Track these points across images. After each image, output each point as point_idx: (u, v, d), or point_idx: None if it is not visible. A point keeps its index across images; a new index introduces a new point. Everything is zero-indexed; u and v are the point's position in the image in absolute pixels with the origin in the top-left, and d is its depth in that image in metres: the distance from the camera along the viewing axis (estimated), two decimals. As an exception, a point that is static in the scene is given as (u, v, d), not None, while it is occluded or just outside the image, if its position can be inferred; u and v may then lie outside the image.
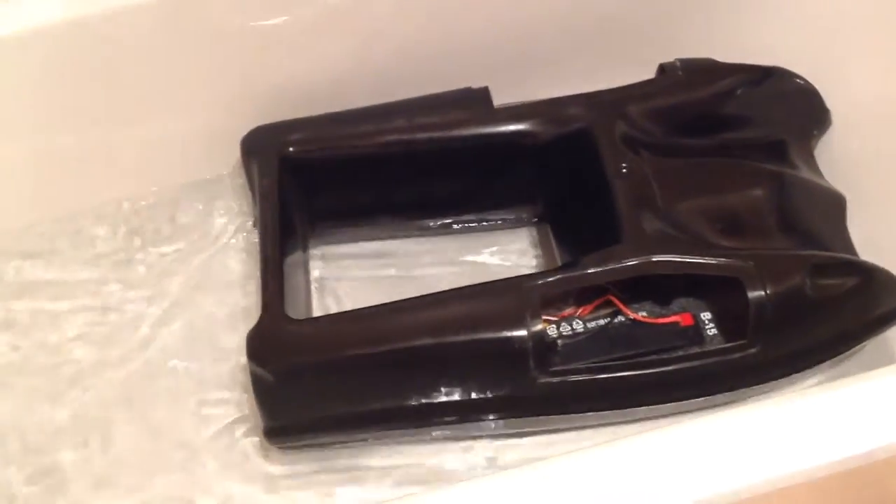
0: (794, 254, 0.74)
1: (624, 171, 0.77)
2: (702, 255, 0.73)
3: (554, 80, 0.93)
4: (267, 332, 0.72)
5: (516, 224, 0.90)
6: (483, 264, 0.89)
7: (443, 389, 0.74)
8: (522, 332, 0.71)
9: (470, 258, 0.89)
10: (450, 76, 0.86)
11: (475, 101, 0.84)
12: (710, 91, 0.84)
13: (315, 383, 0.73)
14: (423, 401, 0.74)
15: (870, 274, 0.75)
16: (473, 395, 0.74)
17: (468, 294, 0.74)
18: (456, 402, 0.74)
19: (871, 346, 0.79)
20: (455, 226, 0.90)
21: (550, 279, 0.73)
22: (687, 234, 0.75)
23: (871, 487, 0.64)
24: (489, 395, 0.74)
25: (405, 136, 0.83)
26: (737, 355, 0.73)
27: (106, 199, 0.93)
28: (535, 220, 0.90)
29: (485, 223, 0.90)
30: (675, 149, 0.82)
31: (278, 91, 0.89)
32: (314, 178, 0.84)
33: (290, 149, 0.82)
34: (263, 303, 0.74)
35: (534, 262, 0.89)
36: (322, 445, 0.78)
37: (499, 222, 0.90)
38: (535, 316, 0.71)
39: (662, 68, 0.85)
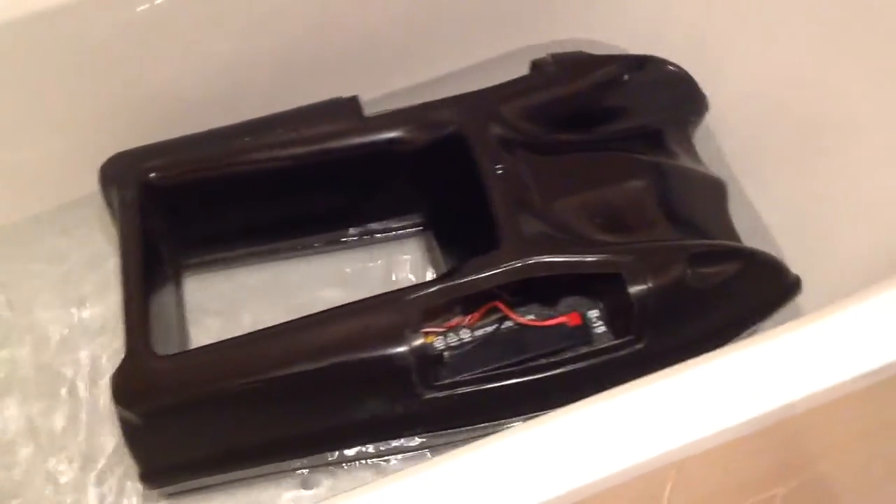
0: (673, 244, 0.73)
1: (499, 172, 0.75)
2: (581, 253, 0.71)
3: (425, 72, 0.93)
4: (130, 371, 0.68)
5: (403, 234, 0.87)
6: (372, 278, 0.86)
7: (326, 416, 0.71)
8: (403, 349, 0.68)
9: (358, 273, 0.86)
10: (318, 84, 0.83)
11: (345, 111, 0.81)
12: (583, 84, 0.83)
13: (186, 422, 0.69)
14: (306, 430, 0.71)
15: (752, 259, 0.75)
16: (359, 418, 0.71)
17: (345, 313, 0.70)
18: (342, 427, 0.71)
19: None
20: (340, 241, 0.86)
21: (429, 290, 0.70)
22: (567, 232, 0.74)
23: (773, 452, 0.62)
24: (376, 416, 0.71)
25: (274, 153, 0.80)
26: (624, 352, 0.71)
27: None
28: (421, 228, 0.87)
29: (370, 236, 0.87)
30: (553, 146, 0.80)
31: (140, 114, 0.85)
32: (181, 203, 0.80)
33: (152, 175, 0.78)
34: (127, 341, 0.70)
35: (423, 272, 0.87)
36: (206, 487, 0.74)
37: (385, 234, 0.87)
38: (416, 330, 0.69)
39: (534, 64, 0.83)
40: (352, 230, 0.86)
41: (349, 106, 0.81)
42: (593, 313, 0.76)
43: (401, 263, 0.87)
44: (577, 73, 0.82)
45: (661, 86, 0.85)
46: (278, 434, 0.71)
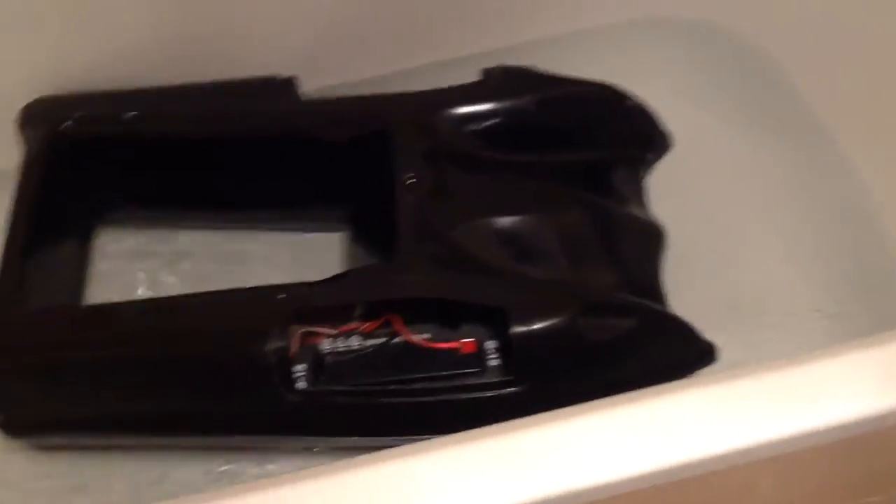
0: (570, 289, 0.69)
1: (412, 181, 0.72)
2: (470, 280, 0.67)
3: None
4: None
5: (325, 226, 0.84)
6: (280, 265, 0.82)
7: (186, 400, 0.68)
8: (265, 347, 0.65)
9: (267, 258, 0.83)
10: (256, 56, 0.80)
11: (280, 91, 0.78)
12: (528, 103, 0.77)
13: (39, 379, 0.68)
14: (167, 410, 0.69)
15: (654, 318, 0.69)
16: (223, 410, 0.69)
17: (212, 301, 0.68)
18: (204, 414, 0.69)
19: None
20: (259, 223, 0.84)
21: (301, 292, 0.67)
22: (469, 256, 0.70)
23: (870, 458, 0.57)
24: (241, 410, 0.69)
25: (201, 123, 0.77)
26: (498, 392, 0.67)
27: None
28: (345, 223, 0.83)
29: (290, 222, 0.84)
30: (483, 163, 0.76)
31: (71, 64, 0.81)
32: (97, 159, 0.77)
33: (68, 123, 0.76)
34: None
35: (338, 268, 0.84)
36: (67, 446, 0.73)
37: (306, 222, 0.84)
38: (283, 331, 0.66)
39: (484, 73, 0.79)
40: (269, 213, 0.83)
41: (286, 86, 0.78)
42: (492, 344, 0.72)
43: (316, 253, 0.83)
44: (523, 89, 0.77)
45: (614, 120, 0.79)
46: (136, 409, 0.69)
